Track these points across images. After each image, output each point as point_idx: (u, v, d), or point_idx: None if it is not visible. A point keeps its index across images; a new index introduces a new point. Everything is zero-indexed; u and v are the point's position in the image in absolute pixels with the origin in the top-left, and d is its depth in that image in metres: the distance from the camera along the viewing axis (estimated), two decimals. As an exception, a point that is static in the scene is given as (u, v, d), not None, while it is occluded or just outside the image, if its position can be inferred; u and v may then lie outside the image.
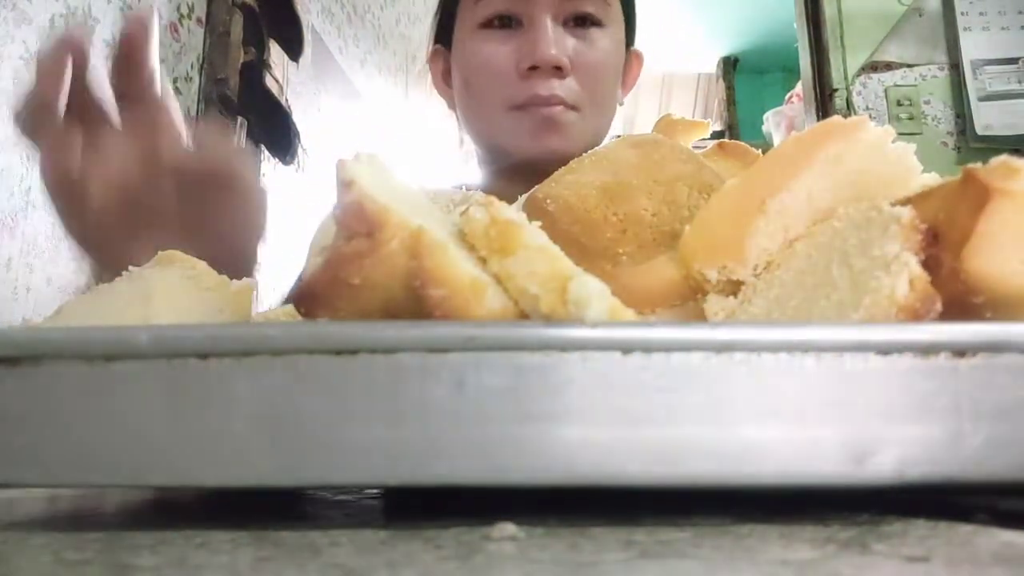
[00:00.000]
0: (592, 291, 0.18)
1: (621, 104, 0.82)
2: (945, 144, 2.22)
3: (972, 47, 2.26)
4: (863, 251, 0.22)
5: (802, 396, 0.18)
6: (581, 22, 0.76)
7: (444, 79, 0.85)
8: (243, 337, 0.19)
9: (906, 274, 0.19)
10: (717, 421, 0.18)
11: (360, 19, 1.83)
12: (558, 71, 0.71)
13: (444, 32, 0.83)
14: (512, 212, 0.21)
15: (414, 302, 0.20)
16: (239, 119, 1.14)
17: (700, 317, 0.28)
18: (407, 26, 2.16)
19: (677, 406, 0.18)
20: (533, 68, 0.71)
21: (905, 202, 0.23)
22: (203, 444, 0.19)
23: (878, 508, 0.20)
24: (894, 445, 0.18)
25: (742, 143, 0.43)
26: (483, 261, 0.21)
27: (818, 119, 2.32)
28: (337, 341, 0.18)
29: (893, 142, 0.28)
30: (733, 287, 0.28)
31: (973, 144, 2.19)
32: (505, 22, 0.75)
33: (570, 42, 0.74)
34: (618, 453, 0.18)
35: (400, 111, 2.15)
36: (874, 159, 0.27)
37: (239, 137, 1.12)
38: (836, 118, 0.25)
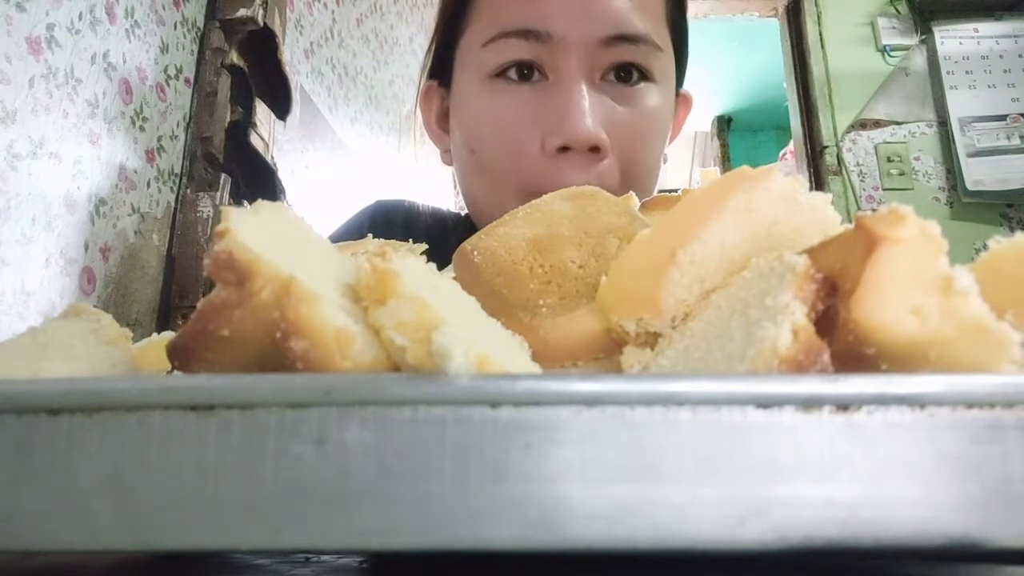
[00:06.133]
0: (455, 341, 0.17)
1: (664, 163, 0.65)
2: (937, 199, 2.24)
3: (959, 105, 2.29)
4: (759, 301, 0.21)
5: (677, 452, 0.17)
6: (625, 74, 0.58)
7: (439, 123, 0.69)
8: (94, 392, 0.18)
9: (789, 324, 0.18)
10: (589, 479, 0.17)
11: (352, 80, 1.87)
12: (595, 151, 0.55)
13: (440, 66, 0.67)
14: (398, 261, 0.21)
15: (283, 355, 0.19)
16: (223, 176, 1.16)
17: (620, 370, 0.28)
18: (401, 87, 2.21)
19: (546, 463, 0.17)
20: (564, 149, 0.55)
21: (808, 251, 0.22)
22: (50, 505, 0.18)
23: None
24: (777, 505, 0.17)
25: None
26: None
27: (809, 176, 2.35)
28: (192, 396, 0.18)
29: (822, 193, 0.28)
30: (653, 339, 0.28)
31: (965, 199, 2.20)
32: (524, 73, 0.57)
33: (610, 109, 0.57)
34: (487, 515, 0.17)
35: (393, 167, 2.18)
36: (788, 209, 0.26)
37: (223, 193, 1.14)
38: (744, 167, 0.25)
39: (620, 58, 0.57)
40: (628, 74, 0.58)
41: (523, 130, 0.57)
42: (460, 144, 0.63)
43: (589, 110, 0.54)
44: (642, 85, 0.59)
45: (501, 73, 0.58)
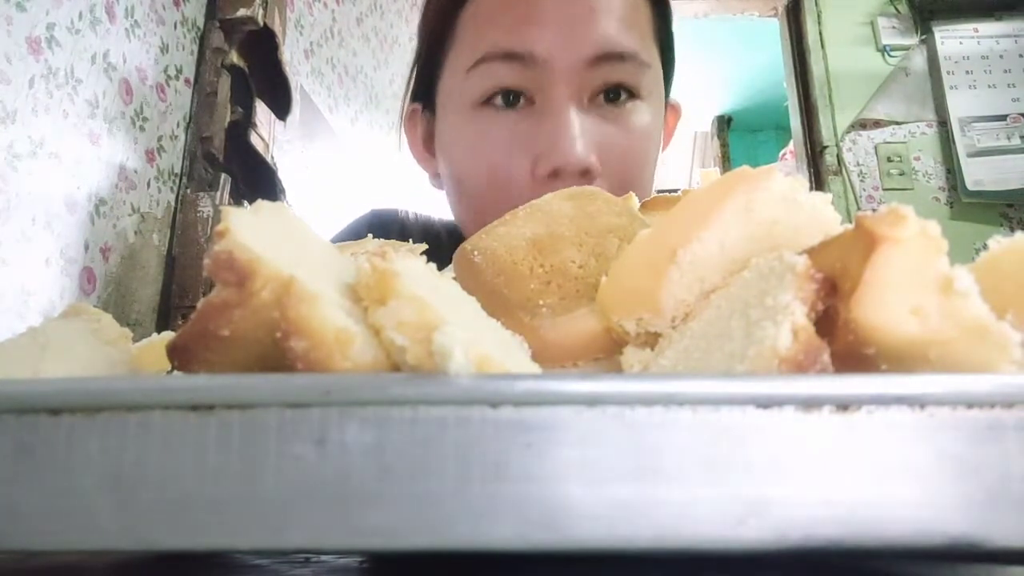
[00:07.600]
0: (456, 341, 0.17)
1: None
2: (937, 199, 2.24)
3: (959, 105, 2.29)
4: (760, 301, 0.21)
5: (678, 452, 0.17)
6: (614, 95, 0.58)
7: (426, 146, 0.68)
8: (95, 392, 0.18)
9: (789, 324, 0.18)
10: (589, 479, 0.17)
11: (352, 80, 1.87)
12: (586, 174, 0.54)
13: (424, 88, 0.66)
14: (398, 261, 0.21)
15: (283, 355, 0.19)
16: (223, 176, 1.16)
17: (620, 370, 0.28)
18: (400, 86, 2.20)
19: (547, 463, 0.17)
20: (554, 174, 0.54)
21: (808, 251, 0.22)
22: (51, 505, 0.18)
23: None
24: (777, 505, 0.17)
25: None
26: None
27: (809, 176, 2.35)
28: (192, 396, 0.18)
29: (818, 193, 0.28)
30: (653, 339, 0.28)
31: (965, 199, 2.20)
32: (510, 99, 0.56)
33: (600, 130, 0.56)
34: (488, 514, 0.17)
35: (393, 166, 2.18)
36: (788, 209, 0.26)
37: (223, 193, 1.14)
38: (744, 167, 0.25)
39: (607, 78, 0.57)
40: (616, 94, 0.58)
41: (512, 158, 0.56)
42: (447, 174, 0.63)
43: (579, 134, 0.54)
44: (630, 104, 0.58)
45: (487, 101, 0.57)
